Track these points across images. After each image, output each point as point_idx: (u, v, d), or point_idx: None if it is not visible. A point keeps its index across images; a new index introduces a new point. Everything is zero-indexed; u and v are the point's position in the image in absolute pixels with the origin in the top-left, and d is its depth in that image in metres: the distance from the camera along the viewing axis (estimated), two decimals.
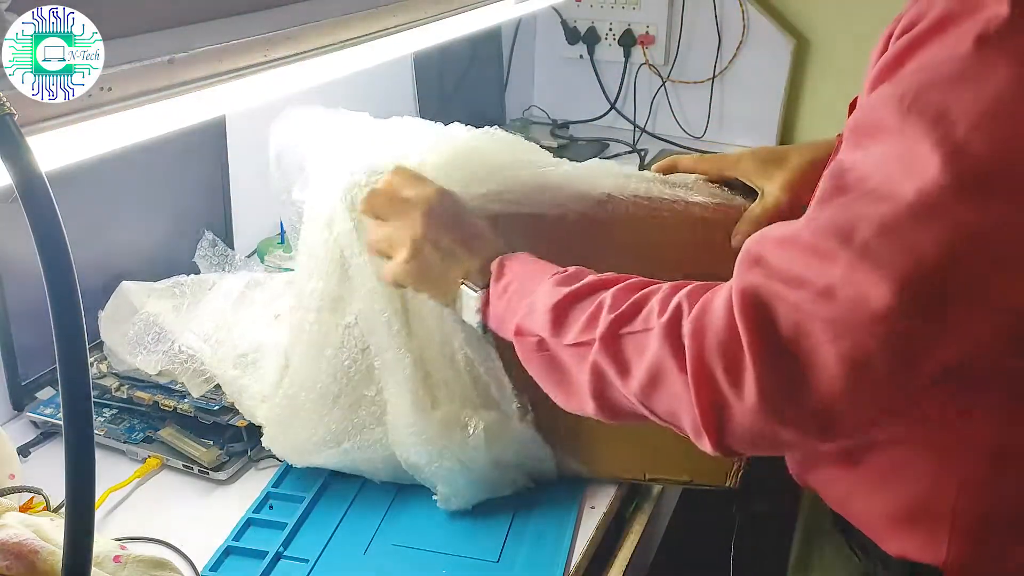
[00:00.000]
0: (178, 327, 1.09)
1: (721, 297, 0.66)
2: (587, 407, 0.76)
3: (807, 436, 0.65)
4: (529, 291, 0.80)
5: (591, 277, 0.78)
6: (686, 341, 0.66)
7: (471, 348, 0.94)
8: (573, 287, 0.77)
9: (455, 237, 0.86)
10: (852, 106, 0.83)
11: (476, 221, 0.88)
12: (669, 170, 1.03)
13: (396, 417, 0.95)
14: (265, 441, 0.99)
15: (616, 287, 0.75)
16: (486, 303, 0.83)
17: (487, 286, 0.83)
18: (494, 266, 0.84)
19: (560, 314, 0.76)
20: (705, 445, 0.68)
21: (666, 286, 0.72)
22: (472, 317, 0.85)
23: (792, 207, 0.94)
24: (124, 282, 1.14)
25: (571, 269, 0.80)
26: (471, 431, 0.95)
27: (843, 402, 0.61)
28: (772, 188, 0.96)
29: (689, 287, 0.70)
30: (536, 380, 0.81)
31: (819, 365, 0.61)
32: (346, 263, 0.93)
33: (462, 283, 0.85)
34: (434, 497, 0.97)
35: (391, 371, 0.93)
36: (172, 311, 1.12)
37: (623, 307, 0.72)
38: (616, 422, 0.77)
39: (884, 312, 0.58)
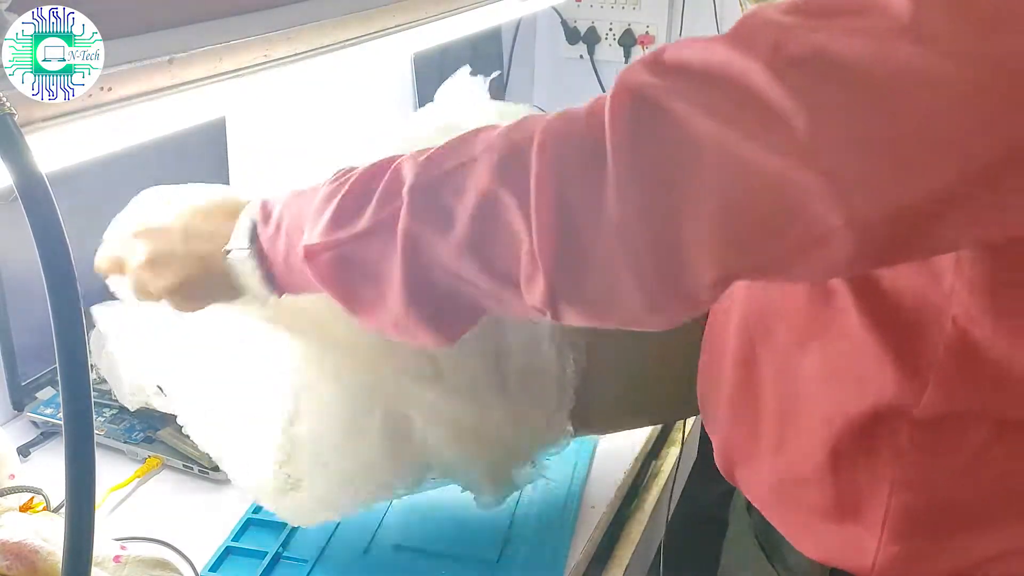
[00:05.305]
0: (136, 365, 1.00)
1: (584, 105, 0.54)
2: (398, 304, 0.59)
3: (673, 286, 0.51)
4: (305, 213, 0.64)
5: (378, 162, 0.62)
6: (532, 153, 0.53)
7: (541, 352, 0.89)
8: (351, 177, 0.62)
9: (191, 217, 0.73)
10: None
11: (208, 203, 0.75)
12: None
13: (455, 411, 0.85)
14: (272, 507, 0.90)
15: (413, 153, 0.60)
16: (262, 257, 0.67)
17: (256, 239, 0.68)
18: (256, 211, 0.68)
19: (346, 205, 0.61)
20: (535, 296, 0.54)
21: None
22: (258, 285, 0.68)
23: None
24: (92, 307, 1.02)
25: (342, 169, 0.65)
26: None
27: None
28: None
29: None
30: (344, 306, 0.64)
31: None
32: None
33: (226, 252, 0.69)
34: (465, 492, 0.91)
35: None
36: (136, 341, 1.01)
37: (430, 152, 0.59)
38: (433, 331, 0.61)
39: None
